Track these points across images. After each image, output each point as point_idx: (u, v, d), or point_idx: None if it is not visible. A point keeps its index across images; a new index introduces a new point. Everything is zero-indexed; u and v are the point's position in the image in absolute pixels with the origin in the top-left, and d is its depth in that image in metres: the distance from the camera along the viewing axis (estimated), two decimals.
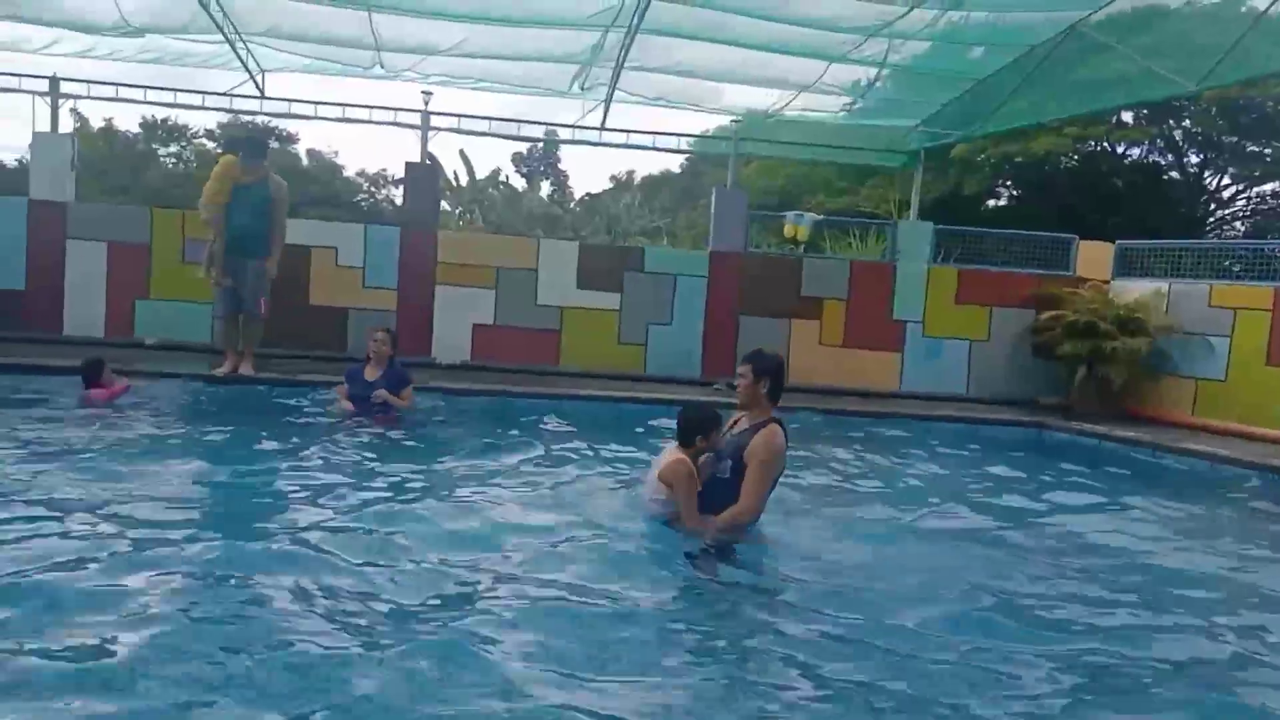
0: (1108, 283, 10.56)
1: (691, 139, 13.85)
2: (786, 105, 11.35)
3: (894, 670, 3.06)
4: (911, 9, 8.66)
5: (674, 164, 39.28)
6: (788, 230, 11.38)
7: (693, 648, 3.18)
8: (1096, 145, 22.70)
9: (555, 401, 8.19)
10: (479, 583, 3.58)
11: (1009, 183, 24.71)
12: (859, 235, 13.67)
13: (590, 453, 6.30)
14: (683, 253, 13.05)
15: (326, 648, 2.85)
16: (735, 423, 4.44)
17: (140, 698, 2.49)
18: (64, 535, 3.79)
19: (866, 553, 4.42)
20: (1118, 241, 10.93)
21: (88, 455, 5.18)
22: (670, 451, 4.31)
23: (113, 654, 2.72)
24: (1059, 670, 3.13)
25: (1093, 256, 10.94)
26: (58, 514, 4.03)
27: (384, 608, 3.26)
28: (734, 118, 11.66)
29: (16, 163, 31.26)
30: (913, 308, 10.66)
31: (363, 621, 3.11)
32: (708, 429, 4.30)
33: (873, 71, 10.52)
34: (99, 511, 4.11)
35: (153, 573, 3.39)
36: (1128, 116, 21.40)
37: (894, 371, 10.62)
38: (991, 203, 24.81)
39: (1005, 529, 5.13)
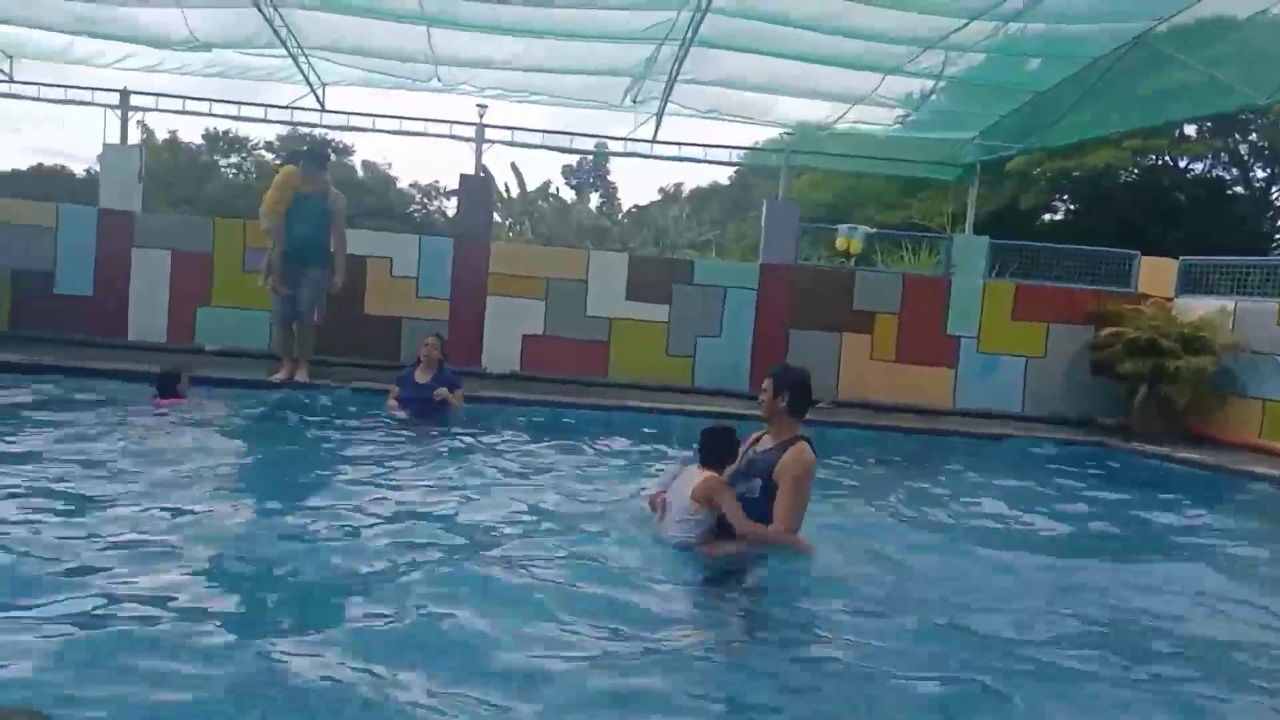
0: (1170, 300, 10.29)
1: (743, 151, 13.82)
2: (840, 118, 11.28)
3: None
4: (970, 21, 8.56)
5: (723, 176, 39.33)
6: (840, 243, 11.29)
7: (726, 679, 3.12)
8: (1158, 159, 22.22)
9: (603, 413, 8.20)
10: (511, 599, 3.50)
11: (1066, 197, 24.26)
12: (911, 249, 13.52)
13: (633, 465, 6.29)
14: (732, 265, 13.01)
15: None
16: (758, 440, 4.34)
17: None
18: (123, 518, 3.90)
19: (911, 574, 4.27)
20: (1181, 258, 10.65)
21: (147, 455, 5.33)
22: (695, 471, 4.17)
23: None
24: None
25: (1155, 273, 10.67)
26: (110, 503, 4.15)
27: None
28: (786, 130, 11.61)
29: (86, 173, 32.42)
30: (967, 323, 10.49)
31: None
32: (735, 451, 4.23)
33: (928, 84, 10.41)
34: (152, 499, 4.24)
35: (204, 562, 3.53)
36: (1190, 129, 20.92)
37: (948, 388, 10.45)
38: (1048, 217, 24.37)
39: (1062, 551, 4.99)
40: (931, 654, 3.36)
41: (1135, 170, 22.15)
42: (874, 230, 12.34)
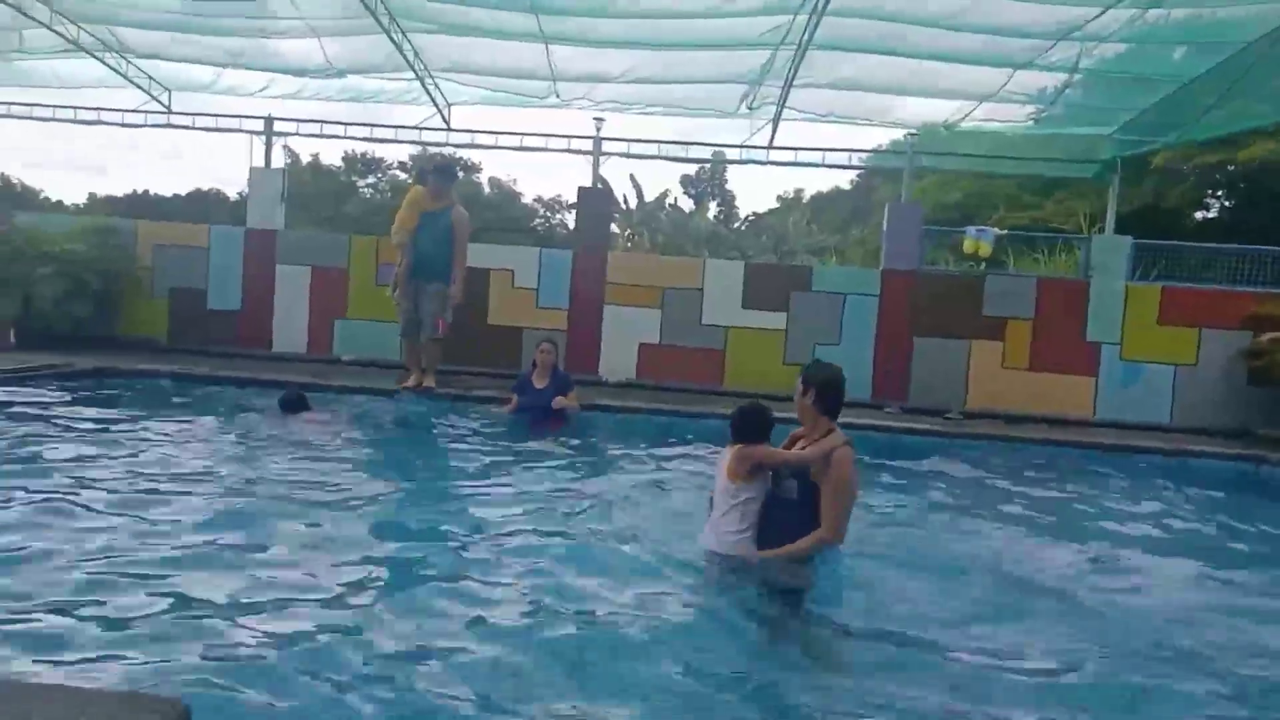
0: None
1: (863, 155, 13.51)
2: (966, 116, 10.87)
3: None
4: (1105, 10, 8.09)
5: (844, 181, 38.56)
6: (968, 246, 10.85)
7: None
8: None
9: (720, 422, 8.11)
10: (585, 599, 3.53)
11: (1219, 193, 22.55)
12: (1046, 251, 12.87)
13: None
14: (853, 270, 12.70)
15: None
16: (794, 442, 4.14)
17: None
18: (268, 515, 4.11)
19: (1034, 602, 3.93)
20: None
21: (286, 459, 5.63)
22: (726, 452, 4.01)
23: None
24: None
25: None
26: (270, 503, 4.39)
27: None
28: (909, 131, 11.27)
29: (238, 196, 34.80)
30: (1109, 329, 9.88)
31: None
32: (767, 430, 4.02)
33: (1062, 78, 9.89)
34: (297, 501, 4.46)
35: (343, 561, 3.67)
36: None
37: (1087, 397, 9.87)
38: (1199, 215, 22.72)
39: (1214, 578, 4.57)
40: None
41: None
42: (1004, 232, 11.80)
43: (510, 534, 4.30)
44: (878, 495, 5.68)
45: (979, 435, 8.29)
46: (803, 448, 4.00)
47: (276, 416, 6.95)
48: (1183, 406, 9.72)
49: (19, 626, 2.92)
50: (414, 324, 8.67)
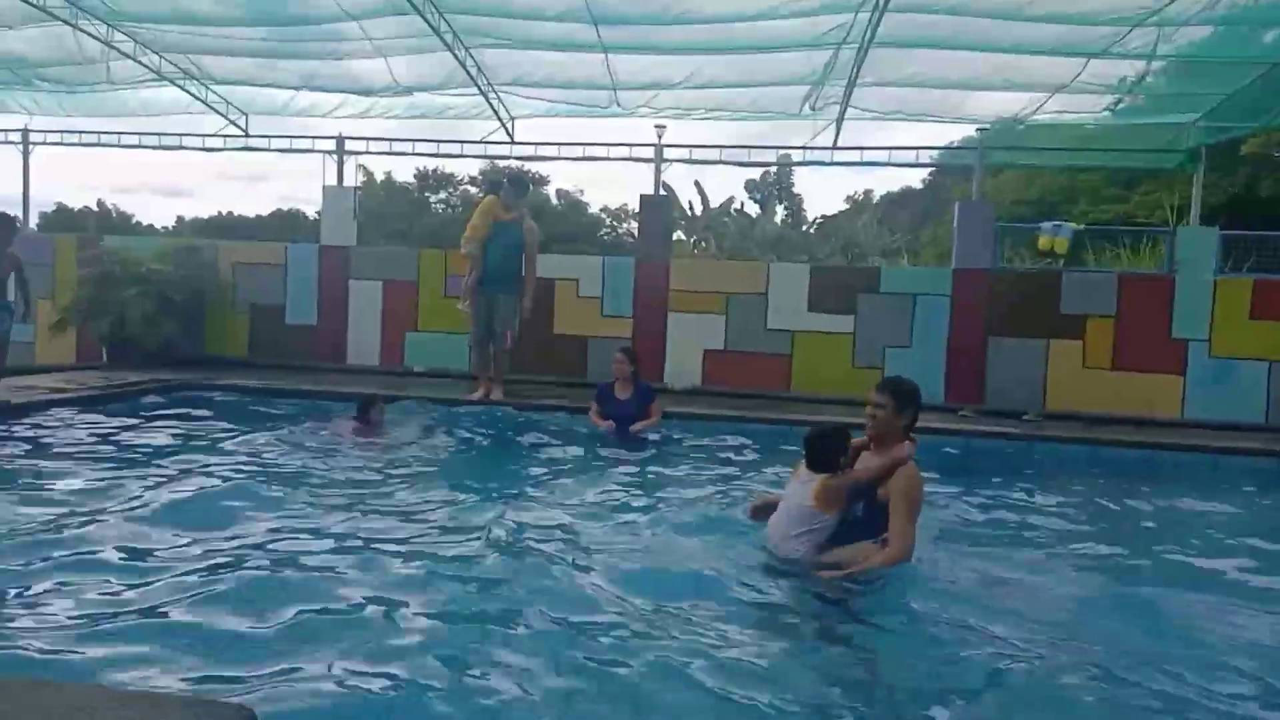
0: None
1: (932, 152, 13.21)
2: (1039, 109, 10.53)
3: None
4: None
5: (915, 180, 37.81)
6: (1043, 243, 10.48)
7: None
8: None
9: (789, 428, 7.99)
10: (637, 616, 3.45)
11: None
12: (1129, 245, 12.37)
13: None
14: (922, 270, 12.43)
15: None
16: (857, 451, 4.07)
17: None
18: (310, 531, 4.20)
19: (1115, 619, 3.63)
20: None
21: (346, 469, 5.75)
22: (807, 475, 3.94)
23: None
24: None
25: None
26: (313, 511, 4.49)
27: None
28: (980, 126, 10.97)
29: (315, 214, 35.92)
30: (1197, 325, 9.44)
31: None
32: (847, 450, 3.96)
33: (1140, 65, 9.51)
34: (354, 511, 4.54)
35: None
36: None
37: (1175, 397, 9.44)
38: None
39: None
40: None
41: None
42: (1081, 227, 11.37)
43: (591, 546, 4.29)
44: (946, 505, 5.50)
45: (1059, 438, 8.00)
46: (865, 455, 3.94)
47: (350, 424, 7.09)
48: (1278, 404, 9.22)
49: (106, 627, 3.03)
50: (485, 334, 8.77)
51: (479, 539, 4.27)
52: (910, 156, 11.39)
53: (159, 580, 3.50)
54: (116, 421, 6.89)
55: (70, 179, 76.39)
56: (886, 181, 49.41)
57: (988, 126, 11.23)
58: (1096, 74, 9.61)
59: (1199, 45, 9.01)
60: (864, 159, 11.13)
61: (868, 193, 40.12)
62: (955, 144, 15.92)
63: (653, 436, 7.42)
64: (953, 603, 3.67)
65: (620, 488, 5.66)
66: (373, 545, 4.15)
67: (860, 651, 3.33)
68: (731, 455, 6.95)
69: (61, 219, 37.40)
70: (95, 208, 43.71)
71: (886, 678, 3.17)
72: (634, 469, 6.33)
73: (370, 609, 3.35)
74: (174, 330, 10.23)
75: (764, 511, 4.23)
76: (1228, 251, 10.10)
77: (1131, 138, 11.25)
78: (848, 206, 37.55)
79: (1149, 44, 8.88)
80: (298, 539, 4.18)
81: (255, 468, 5.70)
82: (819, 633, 3.47)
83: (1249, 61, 9.17)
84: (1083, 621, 3.58)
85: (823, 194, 77.64)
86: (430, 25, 9.61)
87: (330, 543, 4.16)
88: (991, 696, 2.94)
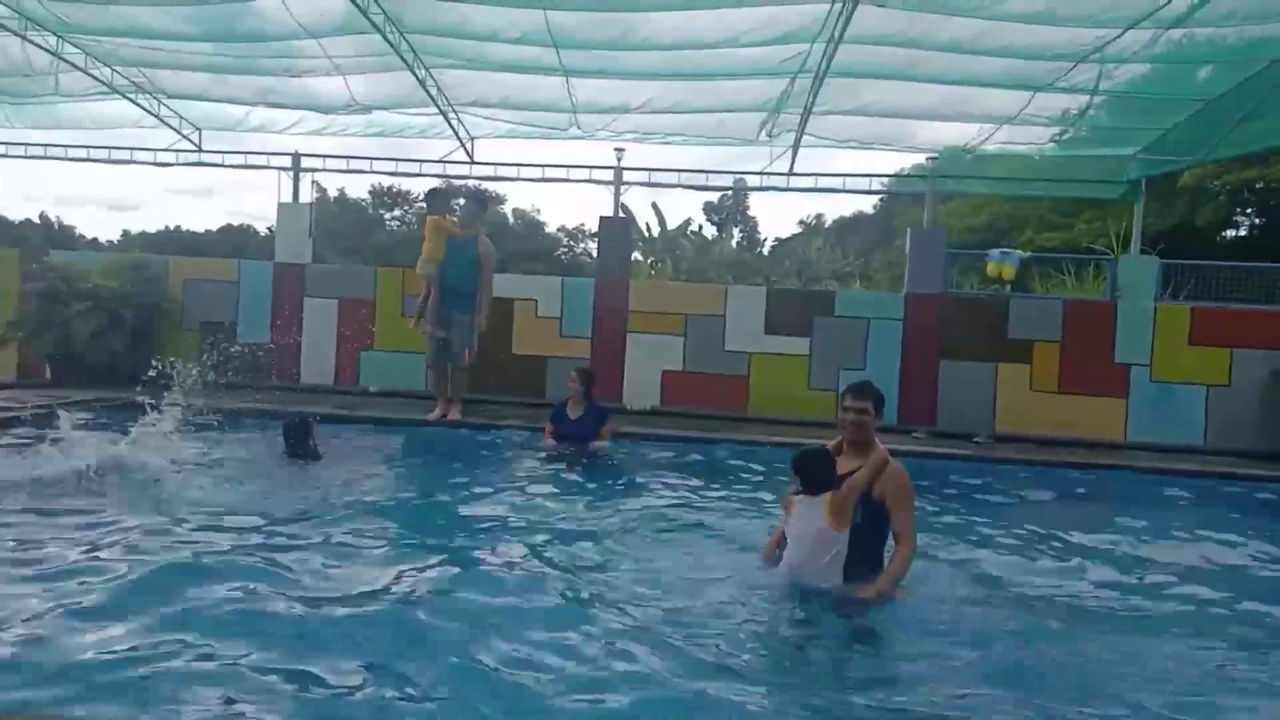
0: None
1: (884, 179, 13.50)
2: (987, 139, 10.84)
3: None
4: (1125, 31, 8.07)
5: (867, 205, 38.55)
6: (991, 269, 10.77)
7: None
8: None
9: (748, 448, 8.08)
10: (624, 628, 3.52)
11: (1249, 211, 22.27)
12: (1074, 273, 12.75)
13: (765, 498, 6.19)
14: (876, 295, 12.67)
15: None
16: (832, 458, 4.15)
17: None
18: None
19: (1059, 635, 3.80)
20: None
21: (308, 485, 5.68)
22: (810, 500, 3.96)
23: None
24: None
25: None
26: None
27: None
28: (930, 155, 11.25)
29: (268, 231, 35.43)
30: (1138, 350, 9.76)
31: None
32: (835, 471, 4.01)
33: (1083, 99, 9.84)
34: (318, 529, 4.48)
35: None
36: None
37: (1118, 420, 9.73)
38: (1230, 233, 22.43)
39: (1249, 608, 4.44)
40: None
41: None
42: (1028, 254, 11.71)
43: (542, 565, 4.30)
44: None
45: (1009, 460, 8.19)
46: (852, 468, 4.04)
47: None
48: (1216, 428, 9.55)
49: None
50: (443, 354, 8.73)
51: (444, 562, 4.25)
52: (864, 183, 11.63)
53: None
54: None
55: (12, 190, 74.44)
56: (839, 206, 50.31)
57: (938, 155, 11.53)
58: (1042, 107, 9.93)
59: (1139, 82, 9.36)
60: (819, 185, 11.33)
61: (818, 217, 40.81)
62: (906, 171, 16.32)
63: (609, 457, 7.44)
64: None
65: (581, 506, 5.67)
66: (343, 559, 4.10)
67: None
68: (681, 474, 6.99)
69: (1, 231, 36.33)
70: (38, 220, 42.59)
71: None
72: (594, 489, 6.33)
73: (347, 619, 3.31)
74: (122, 347, 10.00)
75: (779, 548, 4.21)
76: (1167, 279, 10.47)
77: (1075, 168, 11.62)
78: (800, 230, 38.11)
79: (1092, 80, 9.21)
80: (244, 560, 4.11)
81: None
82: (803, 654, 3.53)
83: (1185, 98, 9.57)
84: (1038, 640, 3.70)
85: (776, 217, 78.73)
86: (390, 44, 9.59)
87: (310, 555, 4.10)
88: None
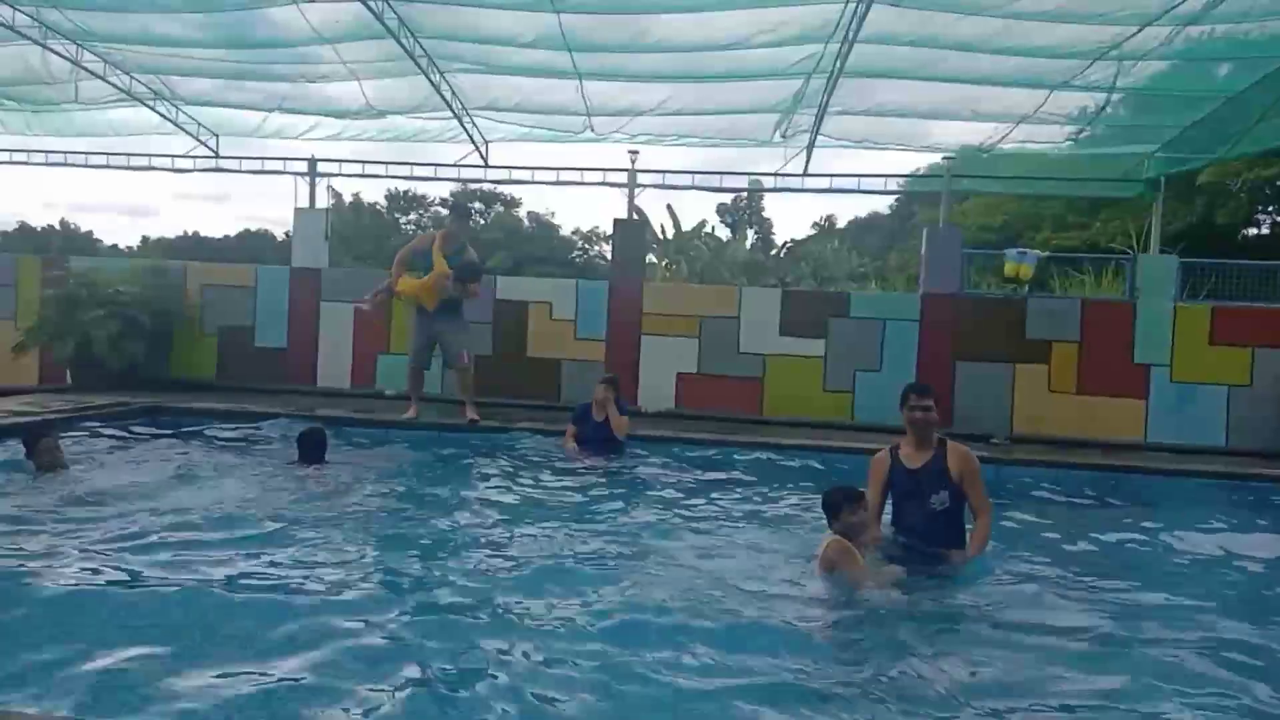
0: None
1: (900, 179, 13.45)
2: (1004, 138, 10.78)
3: None
4: (1141, 29, 8.00)
5: (882, 206, 38.41)
6: (1008, 269, 10.69)
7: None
8: None
9: (764, 451, 8.05)
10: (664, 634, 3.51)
11: (1270, 209, 22.02)
12: (1092, 272, 12.65)
13: (787, 502, 6.17)
14: (891, 295, 12.62)
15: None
16: (893, 460, 4.74)
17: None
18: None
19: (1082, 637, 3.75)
20: None
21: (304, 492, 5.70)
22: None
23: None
24: None
25: None
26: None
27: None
28: (946, 154, 11.19)
29: (285, 236, 35.69)
30: (1158, 350, 9.65)
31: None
32: (852, 504, 4.28)
33: (1101, 97, 9.77)
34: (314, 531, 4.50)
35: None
36: None
37: (1138, 420, 9.63)
38: (1251, 231, 22.19)
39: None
40: None
41: None
42: (1046, 254, 11.62)
43: (562, 564, 4.33)
44: None
45: (1023, 461, 8.12)
46: (925, 459, 4.66)
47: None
48: (1237, 428, 9.44)
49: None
50: (424, 362, 8.70)
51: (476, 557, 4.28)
52: (879, 184, 11.59)
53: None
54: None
55: (32, 196, 75.45)
56: (854, 207, 50.19)
57: (954, 155, 11.47)
58: (1059, 105, 9.87)
59: (1157, 79, 9.28)
60: (834, 185, 11.30)
61: (829, 217, 40.71)
62: (922, 171, 16.23)
63: (623, 456, 7.44)
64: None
65: (601, 501, 5.71)
66: (358, 563, 4.12)
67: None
68: (698, 476, 6.98)
69: (23, 238, 36.78)
70: (58, 226, 43.10)
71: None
72: (618, 489, 6.35)
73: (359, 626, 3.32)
74: (141, 352, 10.07)
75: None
76: (1186, 279, 10.36)
77: (1093, 167, 11.53)
78: (815, 231, 38.03)
79: (1109, 77, 9.14)
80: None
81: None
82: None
83: (1204, 95, 9.47)
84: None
85: (790, 218, 78.57)
86: (405, 49, 9.64)
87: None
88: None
